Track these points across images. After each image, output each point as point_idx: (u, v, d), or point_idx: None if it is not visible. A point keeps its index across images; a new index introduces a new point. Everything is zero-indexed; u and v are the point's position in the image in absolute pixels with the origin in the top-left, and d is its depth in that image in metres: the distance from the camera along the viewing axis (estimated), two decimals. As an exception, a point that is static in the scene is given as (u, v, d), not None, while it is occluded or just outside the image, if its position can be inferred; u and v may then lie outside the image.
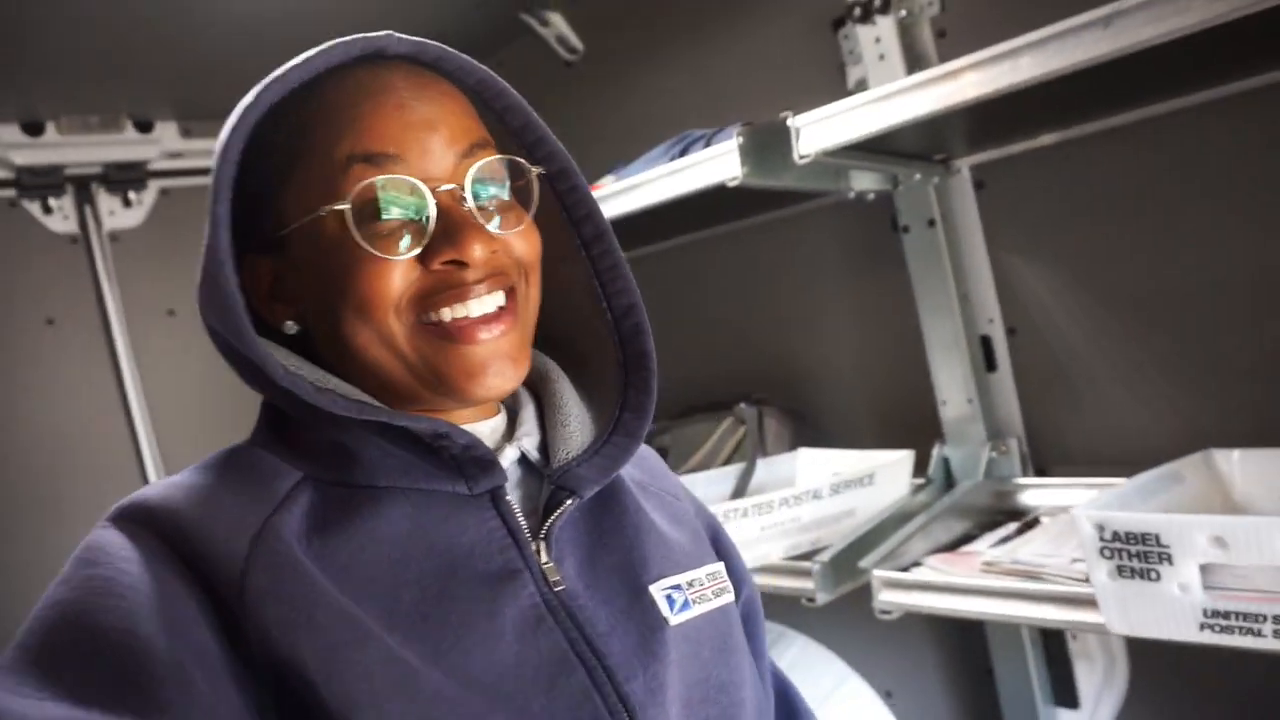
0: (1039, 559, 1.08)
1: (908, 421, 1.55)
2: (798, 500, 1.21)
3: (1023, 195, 1.36)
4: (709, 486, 1.49)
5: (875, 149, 1.21)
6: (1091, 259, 1.31)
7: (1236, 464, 1.15)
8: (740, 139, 1.16)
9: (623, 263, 0.62)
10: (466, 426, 0.58)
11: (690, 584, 0.60)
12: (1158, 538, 0.70)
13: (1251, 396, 1.21)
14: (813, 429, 1.66)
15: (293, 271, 0.57)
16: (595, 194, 1.30)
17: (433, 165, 0.53)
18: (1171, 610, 0.71)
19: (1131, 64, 0.81)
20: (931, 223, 1.39)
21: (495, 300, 0.55)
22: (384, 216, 0.52)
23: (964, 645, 1.57)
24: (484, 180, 0.56)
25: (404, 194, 0.52)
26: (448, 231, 0.53)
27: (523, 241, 0.57)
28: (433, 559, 0.53)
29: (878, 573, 1.12)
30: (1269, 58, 1.09)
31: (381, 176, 0.52)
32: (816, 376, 1.66)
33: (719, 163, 1.19)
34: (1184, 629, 0.71)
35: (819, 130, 1.09)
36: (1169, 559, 0.70)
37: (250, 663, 0.48)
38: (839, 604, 1.20)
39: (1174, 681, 1.35)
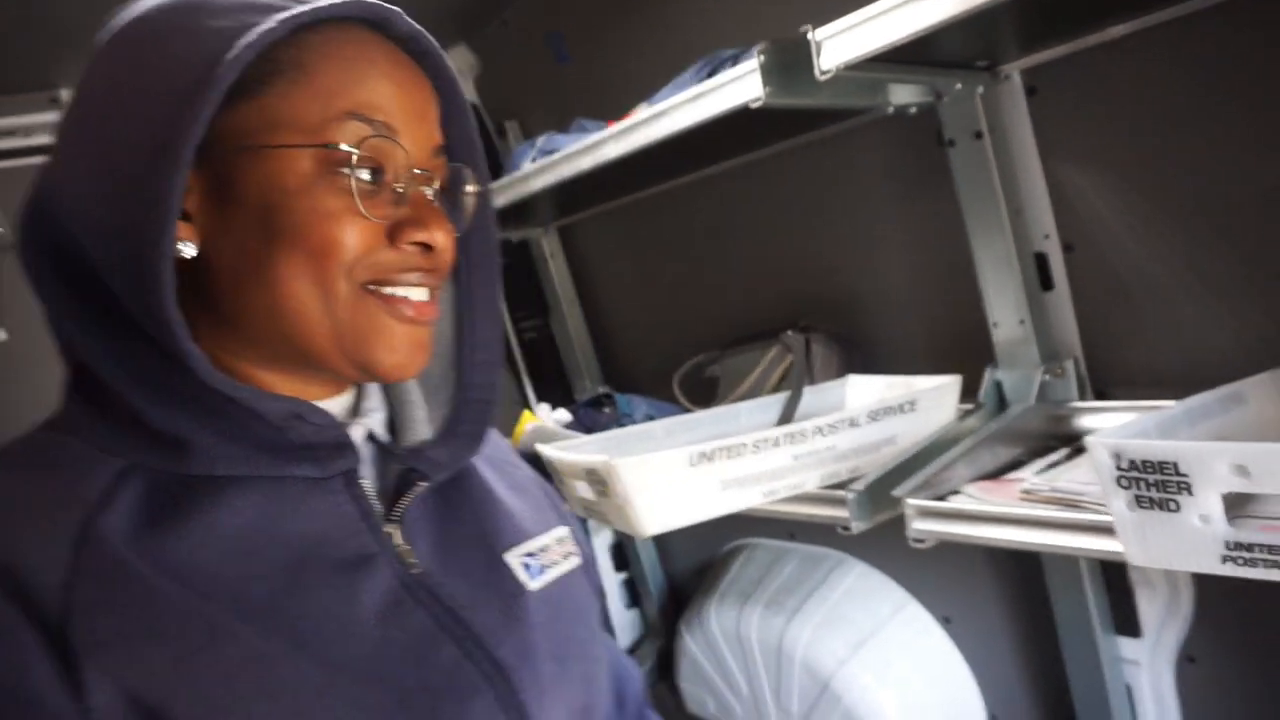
0: (1079, 486, 1.04)
1: (960, 345, 1.49)
2: (833, 428, 1.19)
3: (1079, 100, 1.26)
4: (753, 415, 1.48)
5: (908, 59, 1.14)
6: (1154, 167, 1.22)
7: (1309, 382, 1.07)
8: (761, 57, 1.11)
9: (500, 322, 0.62)
10: (319, 403, 0.55)
11: (542, 550, 0.61)
12: (1175, 466, 0.66)
13: (1330, 309, 1.12)
14: (863, 355, 1.62)
15: (222, 191, 0.50)
16: (624, 124, 1.28)
17: (418, 152, 0.53)
18: (1192, 542, 0.67)
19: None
20: (979, 135, 1.31)
21: (428, 292, 0.55)
22: (370, 178, 0.51)
23: (1020, 572, 1.53)
24: (452, 180, 0.57)
25: (398, 164, 0.52)
26: (421, 215, 0.52)
27: (450, 251, 0.57)
28: (281, 550, 0.50)
29: (911, 501, 1.10)
30: None
31: (383, 139, 0.51)
32: (865, 301, 1.62)
33: (740, 84, 1.14)
34: (1206, 561, 0.67)
35: (841, 42, 1.03)
36: (1188, 488, 0.66)
37: (84, 694, 0.43)
38: (891, 531, 1.18)
39: (1239, 607, 1.29)
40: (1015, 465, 1.25)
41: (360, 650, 0.49)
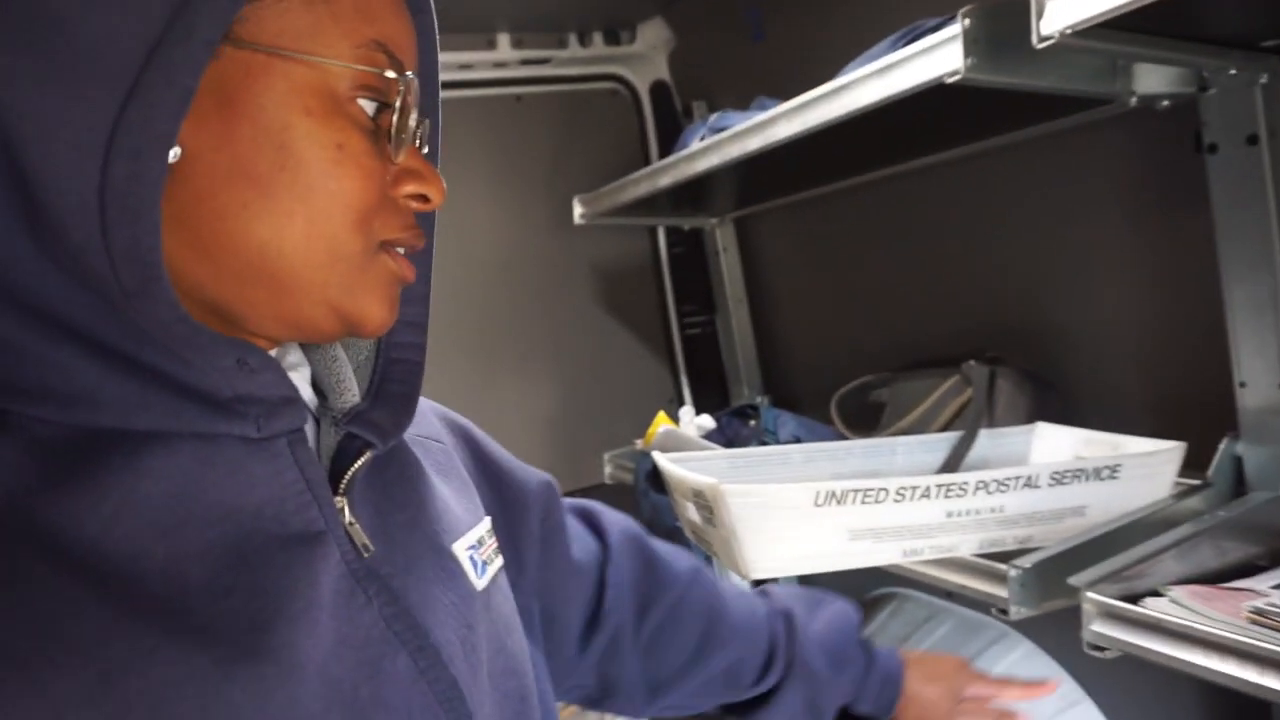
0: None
1: (1190, 405, 1.20)
2: (1002, 486, 0.96)
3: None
4: (913, 453, 1.26)
5: (1164, 30, 0.89)
6: None
7: None
8: (965, 21, 0.90)
9: (426, 299, 0.54)
10: None
11: (479, 542, 0.55)
12: None
13: None
14: (1060, 401, 1.35)
15: (226, 96, 0.41)
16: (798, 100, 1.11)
17: (424, 102, 0.50)
18: None
19: None
20: (1253, 139, 1.02)
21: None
22: (374, 107, 0.45)
23: (1237, 714, 1.22)
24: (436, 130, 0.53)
25: (410, 107, 0.46)
26: (419, 165, 0.48)
27: None
28: (214, 523, 0.41)
29: (1092, 595, 0.86)
30: None
31: (403, 79, 0.46)
32: (1071, 336, 1.34)
33: (936, 55, 0.94)
34: None
35: (1070, 1, 0.80)
36: None
37: None
38: (1067, 620, 0.95)
39: None
40: (1248, 571, 0.97)
41: (321, 644, 0.41)
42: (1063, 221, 1.32)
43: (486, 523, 0.58)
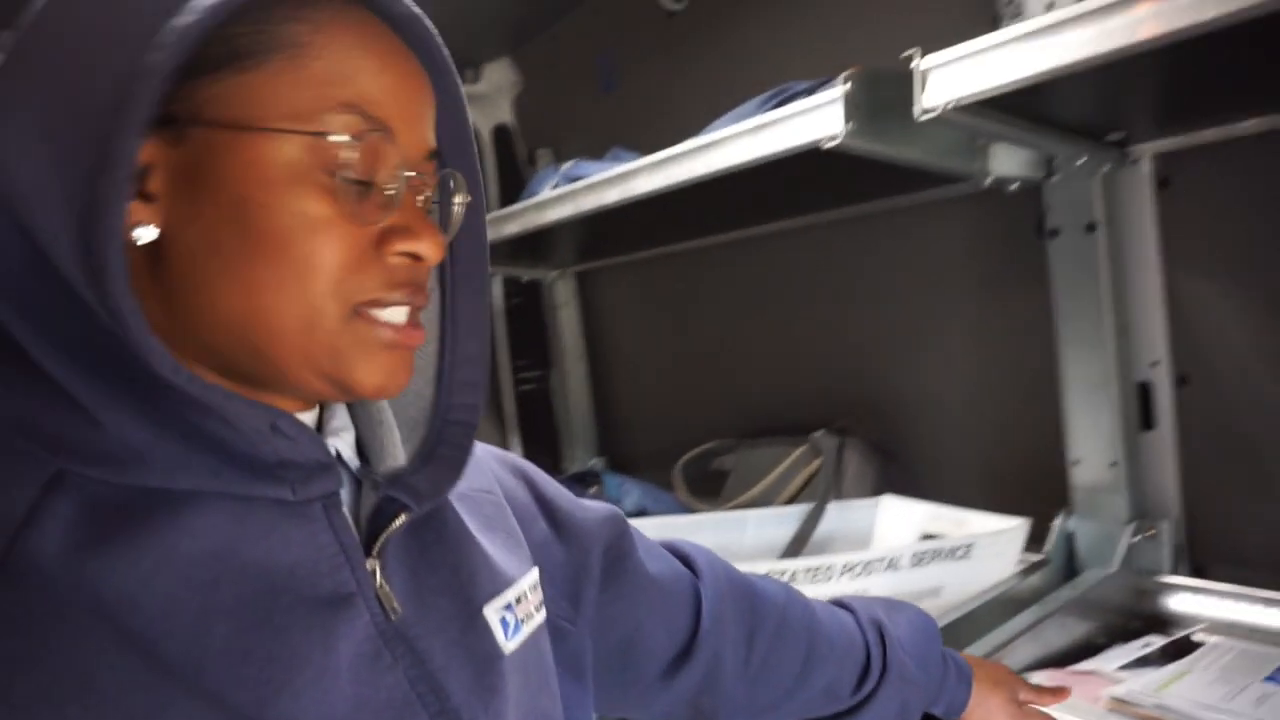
0: (1194, 709, 0.76)
1: (1025, 481, 1.23)
2: (867, 569, 0.93)
3: (1224, 200, 1.02)
4: (763, 527, 1.22)
5: (1029, 112, 0.91)
6: (1311, 297, 0.97)
7: None
8: (848, 85, 0.88)
9: (484, 361, 0.55)
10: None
11: (518, 600, 0.55)
12: None
13: None
14: (903, 472, 1.35)
15: (194, 172, 0.43)
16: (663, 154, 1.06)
17: (414, 152, 0.48)
18: None
19: None
20: (1091, 227, 1.07)
21: (408, 312, 0.48)
22: (362, 179, 0.44)
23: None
24: (442, 187, 0.51)
25: (391, 165, 0.46)
26: (411, 223, 0.47)
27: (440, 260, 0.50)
28: (249, 581, 0.42)
29: (964, 687, 0.82)
30: None
31: (380, 136, 0.45)
32: (916, 408, 1.36)
33: (815, 117, 0.92)
34: None
35: (954, 75, 0.80)
36: None
37: None
38: None
39: None
40: (1090, 649, 0.97)
41: (332, 714, 0.43)
42: (911, 294, 1.34)
43: (531, 576, 0.57)
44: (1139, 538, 1.08)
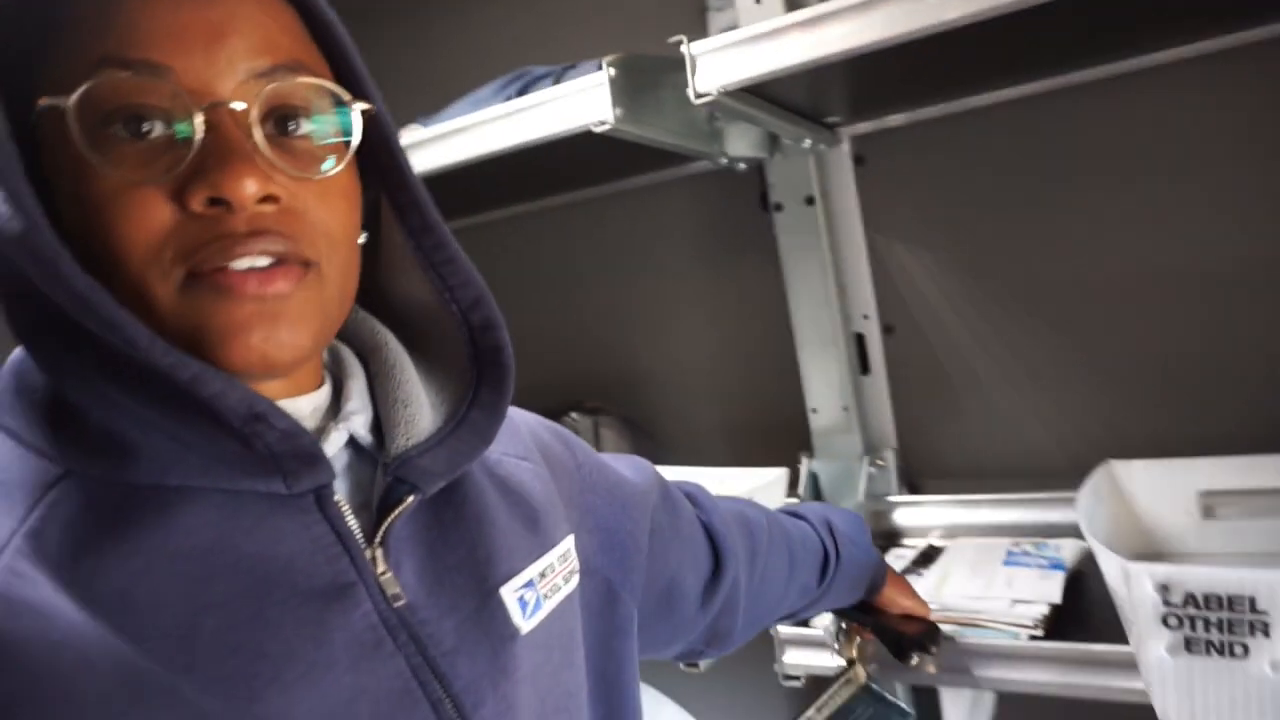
0: (969, 601, 0.90)
1: (772, 433, 1.35)
2: (674, 537, 0.95)
3: (907, 174, 1.20)
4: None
5: (772, 98, 0.98)
6: (982, 250, 1.18)
7: (1139, 477, 1.04)
8: (612, 71, 0.89)
9: (460, 257, 0.52)
10: (281, 403, 0.46)
11: (543, 575, 0.55)
12: (1252, 601, 0.52)
13: (1145, 402, 1.12)
14: (654, 442, 1.42)
15: (48, 160, 0.43)
16: (407, 140, 1.00)
17: (215, 82, 0.42)
18: (1257, 696, 0.54)
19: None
20: (810, 200, 1.19)
21: (268, 257, 0.44)
22: (124, 127, 0.41)
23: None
24: (285, 108, 0.44)
25: (154, 100, 0.41)
26: (214, 160, 0.41)
27: (326, 209, 0.45)
28: (241, 575, 0.42)
29: (781, 629, 0.90)
30: (1172, 33, 0.99)
31: (139, 79, 0.41)
32: (661, 380, 1.42)
33: (582, 101, 0.91)
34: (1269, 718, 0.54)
35: (724, 61, 0.84)
36: (1264, 629, 0.52)
37: None
38: (755, 659, 0.97)
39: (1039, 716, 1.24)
40: (858, 571, 1.10)
41: (325, 704, 0.42)
42: (649, 271, 1.40)
43: (563, 545, 0.56)
44: (873, 469, 1.23)
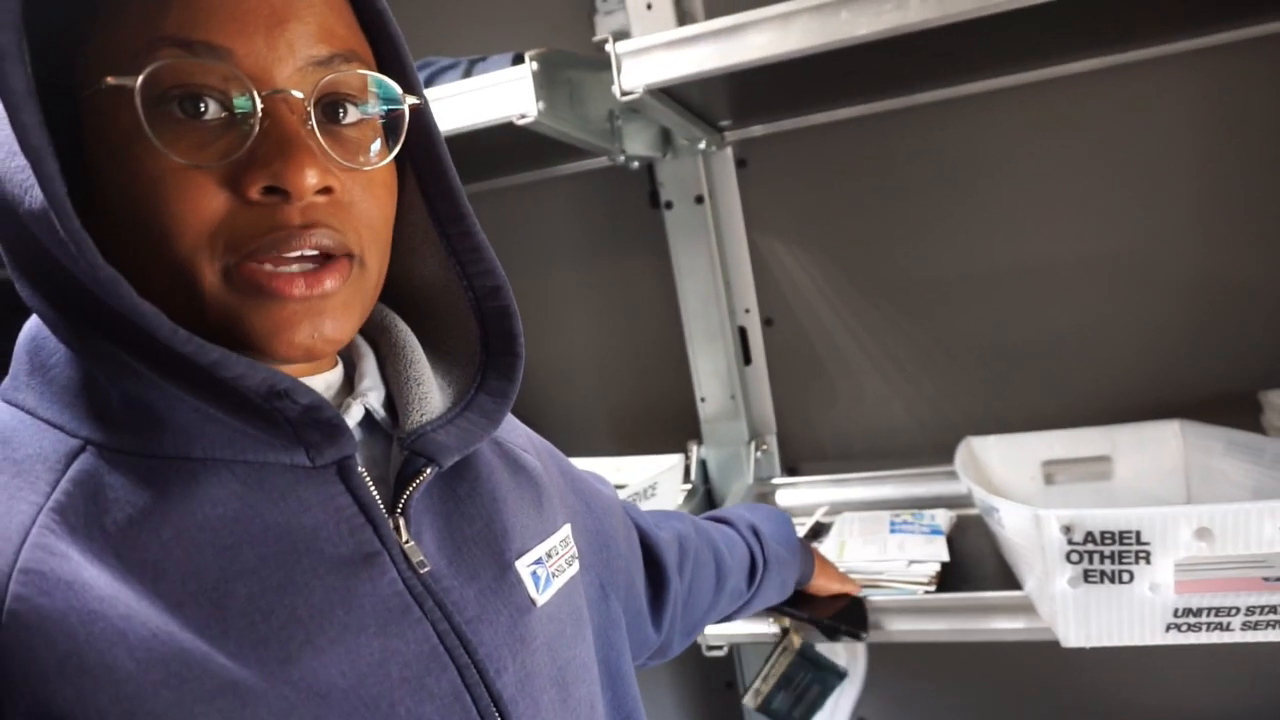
0: (869, 564, 0.99)
1: (656, 422, 1.40)
2: (594, 521, 0.98)
3: (785, 177, 1.28)
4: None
5: (680, 99, 1.04)
6: (851, 248, 1.28)
7: (993, 450, 1.18)
8: (534, 65, 0.91)
9: (485, 245, 0.53)
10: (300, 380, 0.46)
11: (549, 555, 0.56)
12: (1138, 535, 0.62)
13: (993, 384, 1.26)
14: (545, 435, 1.43)
15: (93, 140, 0.42)
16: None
17: (273, 68, 0.42)
18: (1139, 613, 0.64)
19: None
20: (699, 199, 1.25)
21: (315, 252, 0.44)
22: (180, 107, 0.41)
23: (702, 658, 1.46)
24: (339, 97, 0.45)
25: (216, 84, 0.41)
26: (273, 148, 0.41)
27: (371, 200, 0.46)
28: (270, 544, 0.43)
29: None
30: (1048, 52, 1.13)
31: (199, 62, 0.41)
32: (552, 373, 1.44)
33: (504, 93, 0.92)
34: (1149, 632, 0.65)
35: (648, 61, 0.88)
36: (1146, 557, 0.63)
37: None
38: None
39: (908, 670, 1.37)
40: (754, 548, 1.17)
41: (356, 668, 0.42)
42: (538, 266, 1.41)
43: (562, 531, 0.58)
44: (758, 454, 1.31)
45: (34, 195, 0.38)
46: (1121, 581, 0.65)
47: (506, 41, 1.11)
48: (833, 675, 0.94)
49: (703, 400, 1.32)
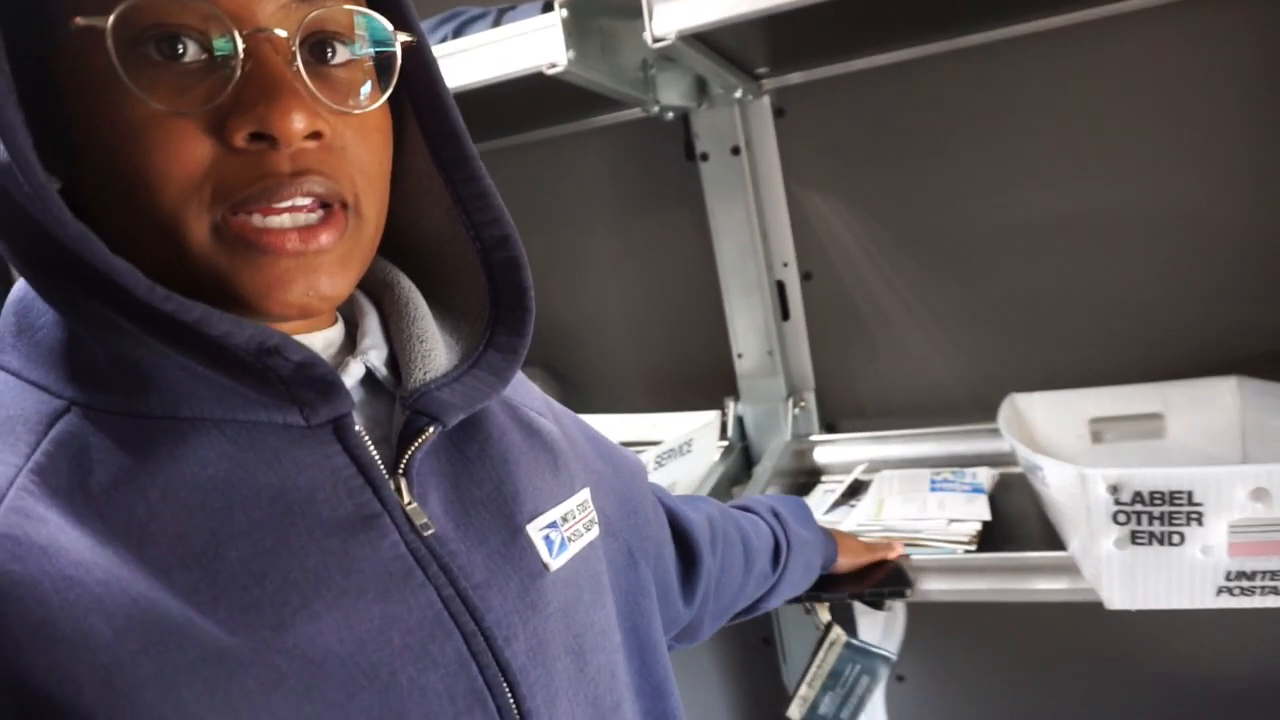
0: (908, 523, 0.97)
1: (692, 379, 1.39)
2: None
3: (824, 126, 1.24)
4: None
5: (714, 46, 1.00)
6: (890, 199, 1.24)
7: (1038, 407, 1.15)
8: (563, 12, 0.88)
9: (492, 191, 0.51)
10: (295, 338, 0.44)
11: (565, 519, 0.54)
12: (1190, 495, 0.60)
13: (1038, 339, 1.22)
14: (581, 393, 1.43)
15: (70, 91, 0.40)
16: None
17: (256, 3, 0.40)
18: (1190, 577, 0.62)
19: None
20: (736, 150, 1.22)
21: (312, 215, 0.42)
22: (157, 48, 0.39)
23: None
24: (326, 35, 0.42)
25: (194, 20, 0.39)
26: (257, 91, 0.39)
27: (364, 144, 0.44)
28: (262, 506, 0.41)
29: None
30: None
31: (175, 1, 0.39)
32: (587, 330, 1.43)
33: (533, 42, 0.90)
34: (1200, 595, 0.62)
35: (680, 6, 0.85)
36: (1198, 518, 0.60)
37: None
38: None
39: (947, 628, 1.35)
40: (793, 505, 1.16)
41: (355, 635, 0.41)
42: (574, 220, 1.39)
43: (580, 495, 0.56)
44: (796, 410, 1.29)
45: (2, 154, 0.36)
46: (1171, 543, 0.62)
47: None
48: (881, 662, 0.92)
49: (739, 356, 1.30)
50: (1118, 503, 0.63)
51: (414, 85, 0.48)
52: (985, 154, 1.18)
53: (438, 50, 0.95)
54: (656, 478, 1.06)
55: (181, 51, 0.39)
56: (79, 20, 0.37)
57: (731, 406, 1.31)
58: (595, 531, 0.56)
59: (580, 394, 1.44)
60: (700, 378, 1.37)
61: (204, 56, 0.39)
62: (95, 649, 0.35)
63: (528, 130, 1.36)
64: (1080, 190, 1.16)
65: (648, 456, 1.04)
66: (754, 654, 1.48)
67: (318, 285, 0.42)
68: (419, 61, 0.47)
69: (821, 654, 0.92)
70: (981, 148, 1.18)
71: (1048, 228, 1.18)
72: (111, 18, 0.37)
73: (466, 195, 0.50)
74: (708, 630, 0.79)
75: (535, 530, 0.51)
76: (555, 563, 0.51)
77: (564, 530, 0.53)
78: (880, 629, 1.40)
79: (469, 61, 0.93)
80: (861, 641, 0.93)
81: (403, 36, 0.45)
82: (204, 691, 0.36)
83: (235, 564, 0.39)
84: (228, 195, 0.39)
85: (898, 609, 1.37)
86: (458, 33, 1.02)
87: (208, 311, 0.39)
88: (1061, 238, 1.17)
